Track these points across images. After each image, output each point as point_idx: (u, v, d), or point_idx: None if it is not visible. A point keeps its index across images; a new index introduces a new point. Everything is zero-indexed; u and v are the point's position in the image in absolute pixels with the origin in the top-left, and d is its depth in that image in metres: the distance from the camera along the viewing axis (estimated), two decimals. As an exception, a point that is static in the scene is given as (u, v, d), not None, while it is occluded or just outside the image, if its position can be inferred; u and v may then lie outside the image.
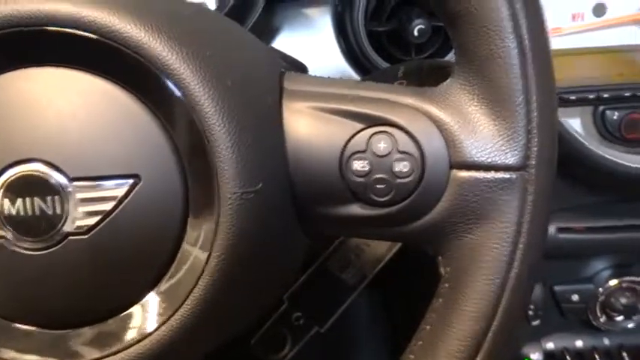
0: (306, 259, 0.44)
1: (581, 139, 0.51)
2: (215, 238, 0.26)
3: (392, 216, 0.29)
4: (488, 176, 0.27)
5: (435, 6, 0.30)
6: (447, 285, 0.30)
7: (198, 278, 0.27)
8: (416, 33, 0.53)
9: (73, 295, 0.28)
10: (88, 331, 0.28)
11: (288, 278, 0.37)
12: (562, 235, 0.58)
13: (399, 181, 0.28)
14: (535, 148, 0.27)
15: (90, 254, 0.27)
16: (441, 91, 0.30)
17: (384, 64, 0.56)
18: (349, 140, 0.29)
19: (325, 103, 0.30)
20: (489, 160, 0.27)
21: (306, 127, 0.30)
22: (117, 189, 0.27)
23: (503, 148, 0.27)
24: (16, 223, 0.27)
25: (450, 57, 0.57)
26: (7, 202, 0.26)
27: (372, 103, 0.30)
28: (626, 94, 0.52)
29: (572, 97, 0.52)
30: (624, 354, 0.65)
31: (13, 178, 0.27)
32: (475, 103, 0.28)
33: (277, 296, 0.42)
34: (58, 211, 0.26)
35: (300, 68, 0.52)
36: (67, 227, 0.27)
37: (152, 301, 0.28)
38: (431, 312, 0.30)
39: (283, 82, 0.31)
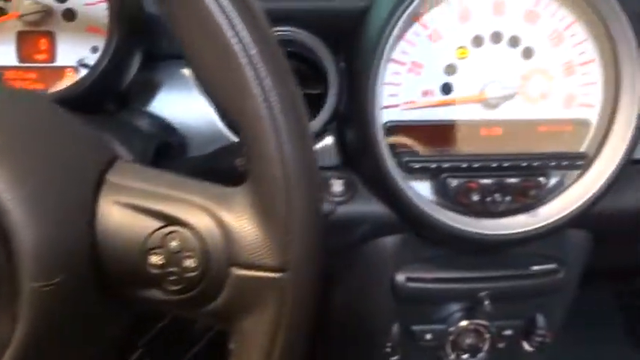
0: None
1: (420, 205, 0.58)
2: (15, 330, 0.30)
3: (186, 301, 0.34)
4: (256, 275, 0.33)
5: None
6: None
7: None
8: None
9: None
10: None
11: (108, 347, 0.42)
12: (411, 284, 0.65)
13: (187, 274, 0.34)
14: (294, 255, 0.33)
15: None
16: (230, 194, 0.35)
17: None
18: (148, 237, 0.34)
19: (136, 199, 0.35)
20: (257, 261, 0.33)
21: (116, 221, 0.35)
22: None
23: (269, 251, 0.33)
24: None
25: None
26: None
27: (172, 202, 0.35)
28: (463, 166, 0.59)
29: (417, 166, 0.59)
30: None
31: None
32: (253, 210, 0.34)
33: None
34: None
35: (170, 132, 0.56)
36: None
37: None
38: None
39: (107, 174, 0.36)
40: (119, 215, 0.34)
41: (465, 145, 0.62)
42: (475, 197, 0.59)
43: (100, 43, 0.55)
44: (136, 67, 0.56)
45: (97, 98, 0.59)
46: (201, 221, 0.34)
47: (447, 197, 0.61)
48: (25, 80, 0.57)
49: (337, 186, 0.61)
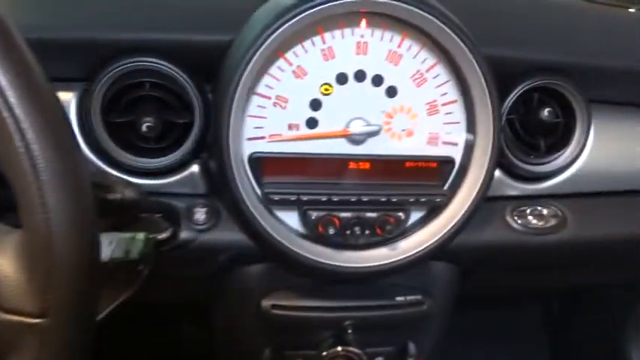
0: None
1: (278, 237, 0.59)
2: None
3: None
4: (16, 319, 0.33)
5: None
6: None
7: None
8: (144, 128, 0.60)
9: None
10: None
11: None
12: (276, 312, 0.66)
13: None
14: (55, 301, 0.33)
15: None
16: (4, 235, 0.35)
17: (121, 152, 0.61)
18: None
19: None
20: (17, 305, 0.33)
21: None
22: None
23: (29, 297, 0.33)
24: None
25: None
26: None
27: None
28: (323, 199, 0.60)
29: (277, 198, 0.60)
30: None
31: None
32: (19, 255, 0.34)
33: None
34: None
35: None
36: None
37: None
38: None
39: None
40: None
41: (332, 179, 0.64)
42: (333, 230, 0.61)
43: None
44: None
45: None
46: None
47: (309, 229, 0.62)
48: None
49: (200, 214, 0.62)
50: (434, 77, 0.63)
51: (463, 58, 0.61)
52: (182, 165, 0.63)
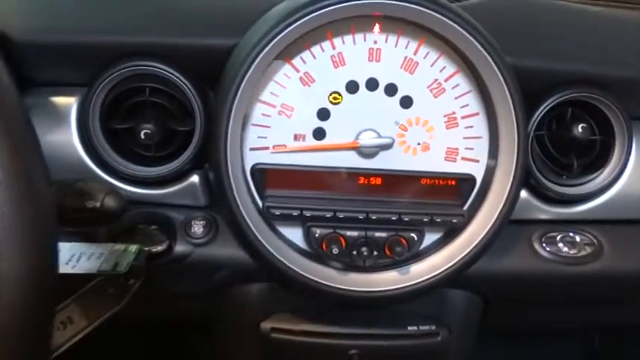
0: None
1: (278, 255, 0.55)
2: None
3: None
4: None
5: None
6: None
7: None
8: (142, 135, 0.57)
9: None
10: None
11: None
12: (275, 335, 0.61)
13: None
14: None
15: None
16: None
17: (119, 160, 0.59)
18: None
19: None
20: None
21: None
22: None
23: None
24: None
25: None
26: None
27: None
28: (327, 215, 0.56)
29: (278, 213, 0.56)
30: None
31: None
32: None
33: None
34: None
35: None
36: None
37: None
38: None
39: None
40: None
41: (340, 194, 0.59)
42: (338, 250, 0.56)
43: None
44: None
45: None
46: None
47: (313, 247, 0.58)
48: None
49: (197, 227, 0.59)
50: (453, 87, 0.59)
51: (485, 67, 0.56)
52: (182, 175, 0.59)
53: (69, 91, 0.59)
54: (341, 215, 0.57)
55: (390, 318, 0.63)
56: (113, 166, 0.58)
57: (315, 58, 0.57)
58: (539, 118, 0.63)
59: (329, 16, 0.53)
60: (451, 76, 0.58)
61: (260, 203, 0.57)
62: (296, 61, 0.56)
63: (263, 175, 0.58)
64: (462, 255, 0.58)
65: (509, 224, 0.60)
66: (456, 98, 0.59)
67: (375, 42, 0.57)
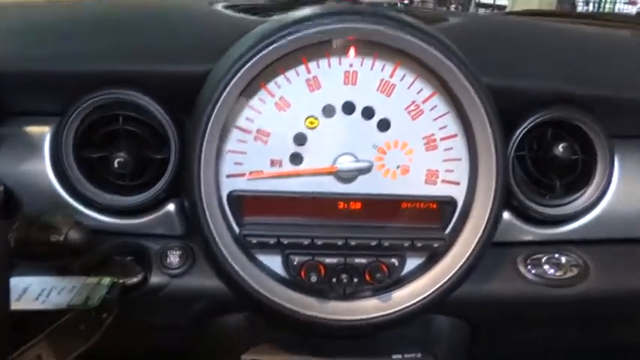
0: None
1: (254, 284, 0.54)
2: None
3: None
4: None
5: None
6: None
7: None
8: (116, 164, 0.56)
9: None
10: None
11: None
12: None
13: None
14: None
15: None
16: None
17: (93, 190, 0.58)
18: None
19: None
20: None
21: None
22: None
23: None
24: None
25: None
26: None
27: None
28: (305, 243, 0.55)
29: (254, 241, 0.55)
30: None
31: None
32: None
33: None
34: None
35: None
36: None
37: None
38: None
39: None
40: None
41: (319, 220, 0.58)
42: (316, 277, 0.55)
43: None
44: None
45: None
46: None
47: (291, 275, 0.57)
48: None
49: (173, 257, 0.57)
50: (431, 109, 0.58)
51: (462, 89, 0.55)
52: (158, 204, 0.58)
53: (42, 120, 0.59)
54: (319, 242, 0.56)
55: (374, 346, 0.61)
56: (87, 195, 0.57)
57: (290, 82, 0.56)
58: (519, 138, 0.62)
59: (303, 41, 0.53)
60: (428, 98, 0.58)
61: (237, 231, 0.56)
62: (271, 85, 0.56)
63: (240, 203, 0.57)
64: (445, 280, 0.57)
65: (493, 246, 0.59)
66: (434, 120, 0.58)
67: (351, 65, 0.56)
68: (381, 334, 0.60)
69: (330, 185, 0.58)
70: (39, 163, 0.58)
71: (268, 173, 0.57)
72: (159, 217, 0.59)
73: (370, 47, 0.56)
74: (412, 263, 0.58)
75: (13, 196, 0.56)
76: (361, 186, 0.58)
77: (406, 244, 0.56)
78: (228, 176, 0.57)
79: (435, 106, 0.58)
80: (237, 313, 0.59)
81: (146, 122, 0.57)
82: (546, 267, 0.62)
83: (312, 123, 0.57)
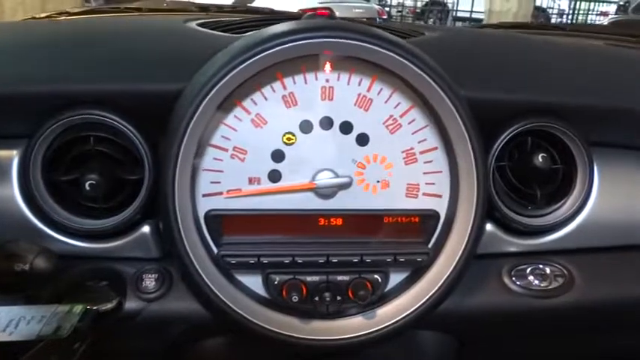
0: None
1: (233, 306, 0.52)
2: None
3: None
4: None
5: None
6: None
7: None
8: (87, 187, 0.54)
9: None
10: None
11: None
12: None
13: None
14: None
15: None
16: None
17: (63, 213, 0.56)
18: None
19: None
20: None
21: None
22: None
23: None
24: None
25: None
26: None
27: None
28: (286, 261, 0.54)
29: (233, 262, 0.53)
30: None
31: None
32: None
33: None
34: None
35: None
36: None
37: None
38: None
39: None
40: None
41: (300, 237, 0.57)
42: (297, 297, 0.53)
43: None
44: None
45: None
46: None
47: (272, 295, 0.55)
48: None
49: (149, 281, 0.55)
50: (409, 122, 0.57)
51: (440, 102, 0.55)
52: (132, 226, 0.57)
53: (9, 143, 0.56)
54: (300, 260, 0.54)
55: (360, 366, 0.60)
56: (57, 220, 0.55)
57: (266, 99, 0.55)
58: (499, 148, 0.62)
59: (278, 56, 0.52)
60: (406, 112, 0.57)
61: (215, 251, 0.54)
62: (246, 102, 0.55)
63: (218, 222, 0.55)
64: (430, 294, 0.56)
65: (477, 259, 0.58)
66: (413, 133, 0.57)
67: (327, 80, 0.56)
68: (365, 353, 0.59)
69: (310, 202, 0.57)
70: (6, 187, 0.56)
71: (246, 191, 0.56)
72: (133, 240, 0.57)
73: (346, 62, 0.55)
74: (396, 279, 0.57)
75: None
76: (341, 202, 0.57)
77: (389, 259, 0.55)
78: (204, 195, 0.55)
79: (414, 120, 0.58)
80: (217, 337, 0.58)
81: (118, 143, 0.56)
82: (531, 278, 0.61)
83: (289, 139, 0.56)
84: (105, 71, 0.56)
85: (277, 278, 0.54)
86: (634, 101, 0.66)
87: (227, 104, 0.54)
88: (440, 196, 0.59)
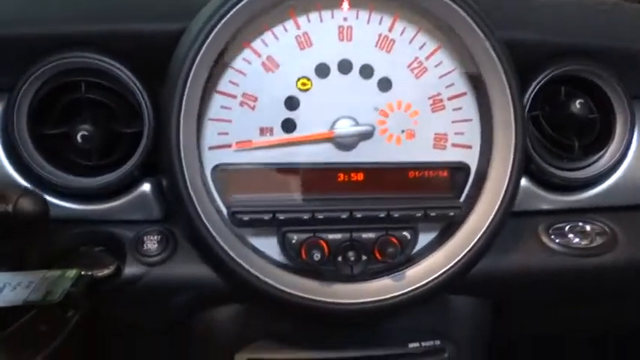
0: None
1: (248, 267, 0.46)
2: None
3: None
4: None
5: None
6: None
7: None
8: (79, 139, 0.49)
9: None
10: None
11: None
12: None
13: None
14: None
15: None
16: None
17: (52, 170, 0.50)
18: None
19: None
20: None
21: None
22: None
23: None
24: None
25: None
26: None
27: None
28: (305, 217, 0.48)
29: (246, 218, 0.48)
30: None
31: None
32: None
33: None
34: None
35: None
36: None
37: None
38: None
39: None
40: None
41: (317, 194, 0.51)
42: (320, 256, 0.48)
43: None
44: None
45: None
46: None
47: (291, 257, 0.49)
48: None
49: (151, 243, 0.49)
50: (436, 65, 0.52)
51: (474, 41, 0.49)
52: (130, 185, 0.51)
53: (-9, 95, 0.51)
54: (320, 216, 0.48)
55: (387, 336, 0.54)
56: (45, 177, 0.49)
57: (277, 39, 0.49)
58: (532, 96, 0.57)
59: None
60: (432, 54, 0.52)
61: (224, 210, 0.49)
62: (256, 44, 0.49)
63: (226, 178, 0.50)
64: (463, 254, 0.50)
65: (512, 216, 0.53)
66: (439, 77, 0.52)
67: (345, 19, 0.50)
68: (394, 320, 0.53)
69: (329, 154, 0.51)
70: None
71: (258, 143, 0.50)
72: (132, 200, 0.51)
73: (365, -2, 0.51)
74: (425, 238, 0.52)
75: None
76: (363, 154, 0.51)
77: (418, 214, 0.50)
78: (211, 148, 0.49)
79: (440, 62, 0.52)
80: (227, 304, 0.52)
81: (114, 90, 0.50)
82: (571, 236, 0.56)
83: (304, 84, 0.51)
84: (96, 10, 0.51)
85: (295, 237, 0.48)
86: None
87: (234, 46, 0.48)
88: (470, 147, 0.53)
